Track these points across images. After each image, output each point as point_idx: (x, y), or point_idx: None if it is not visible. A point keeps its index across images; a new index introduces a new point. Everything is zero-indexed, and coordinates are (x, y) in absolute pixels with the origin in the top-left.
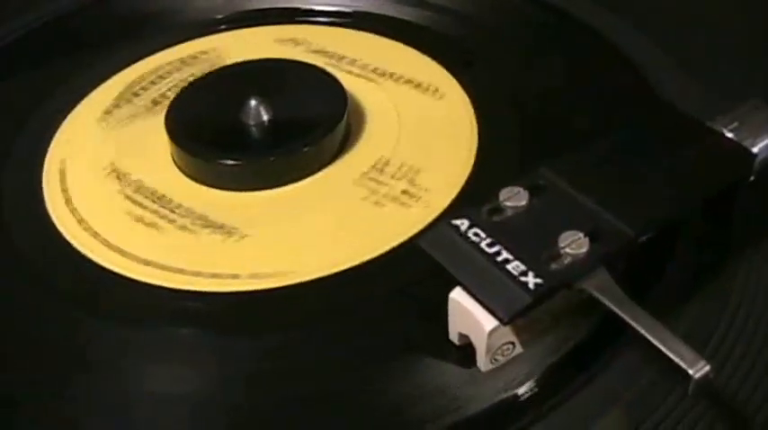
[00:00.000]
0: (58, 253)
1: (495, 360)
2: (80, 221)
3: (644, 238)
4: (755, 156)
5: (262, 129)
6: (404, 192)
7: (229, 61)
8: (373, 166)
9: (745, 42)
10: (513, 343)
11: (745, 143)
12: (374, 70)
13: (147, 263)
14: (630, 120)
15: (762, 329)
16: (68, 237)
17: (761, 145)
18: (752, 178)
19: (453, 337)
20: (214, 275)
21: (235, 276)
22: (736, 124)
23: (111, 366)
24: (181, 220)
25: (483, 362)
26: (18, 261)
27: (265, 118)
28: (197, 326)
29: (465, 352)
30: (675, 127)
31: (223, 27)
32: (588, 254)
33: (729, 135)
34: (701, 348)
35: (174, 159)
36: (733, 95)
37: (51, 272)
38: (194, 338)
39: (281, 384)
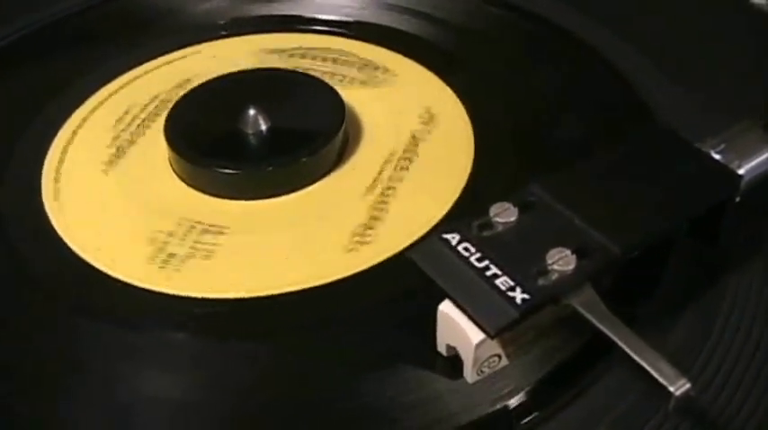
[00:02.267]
0: (55, 255)
1: (482, 372)
2: (78, 224)
3: (630, 256)
4: (741, 177)
5: (259, 139)
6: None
7: (230, 68)
8: (367, 181)
9: (741, 58)
10: (499, 355)
11: (732, 165)
12: (374, 81)
13: (141, 267)
14: (621, 139)
15: (749, 348)
16: (67, 240)
17: (747, 167)
18: (738, 199)
19: (441, 349)
20: (206, 281)
21: (226, 283)
22: (723, 146)
23: (105, 370)
24: (176, 227)
25: (469, 374)
26: (16, 262)
27: (263, 127)
28: (188, 332)
29: (452, 363)
30: (664, 147)
31: (224, 33)
32: (575, 271)
33: (717, 156)
34: (689, 365)
35: (171, 165)
36: (729, 112)
37: (48, 274)
38: (185, 344)
39: (268, 392)
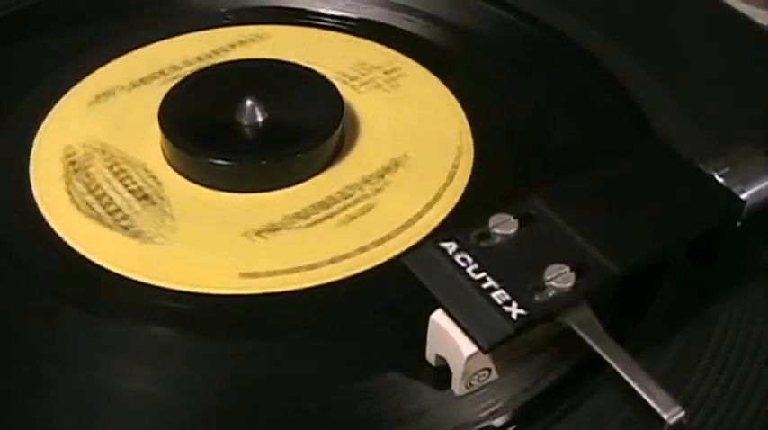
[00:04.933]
0: (41, 240)
1: (470, 384)
2: (65, 210)
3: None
4: (744, 202)
5: (255, 131)
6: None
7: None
8: (363, 180)
9: (746, 78)
10: (489, 369)
11: (735, 189)
12: (374, 80)
13: (128, 256)
14: (622, 150)
15: (740, 372)
16: (55, 226)
17: (750, 192)
18: (739, 223)
19: (430, 358)
20: (194, 275)
21: (214, 279)
22: (727, 169)
23: (83, 359)
24: (166, 216)
25: (458, 386)
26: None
27: (260, 119)
28: (174, 326)
29: (440, 373)
30: (668, 166)
31: (226, 21)
32: (573, 288)
33: (720, 180)
34: (679, 387)
35: (163, 152)
36: (731, 133)
37: (33, 258)
38: (170, 338)
39: (249, 394)
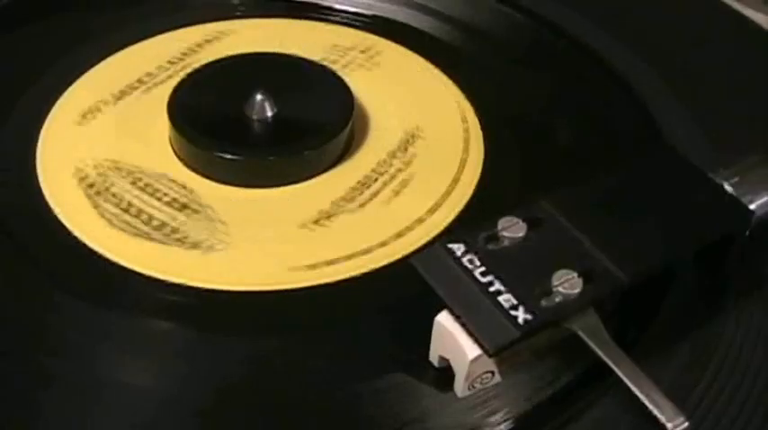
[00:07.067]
0: (46, 230)
1: (473, 387)
2: (72, 198)
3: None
4: (753, 213)
5: (263, 126)
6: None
7: (239, 50)
8: (371, 179)
9: (760, 93)
10: (492, 372)
11: (744, 199)
12: (384, 78)
13: (129, 248)
14: (634, 161)
15: (747, 381)
16: (60, 216)
17: (759, 202)
18: (747, 233)
19: (433, 359)
20: (197, 270)
21: (216, 274)
22: (737, 179)
23: (80, 350)
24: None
25: (460, 388)
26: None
27: (269, 114)
28: (173, 320)
29: (443, 375)
30: (678, 174)
31: (238, 13)
32: (580, 295)
33: (729, 189)
34: (685, 396)
35: (171, 143)
36: (741, 146)
37: (37, 247)
38: (168, 332)
39: (249, 393)
